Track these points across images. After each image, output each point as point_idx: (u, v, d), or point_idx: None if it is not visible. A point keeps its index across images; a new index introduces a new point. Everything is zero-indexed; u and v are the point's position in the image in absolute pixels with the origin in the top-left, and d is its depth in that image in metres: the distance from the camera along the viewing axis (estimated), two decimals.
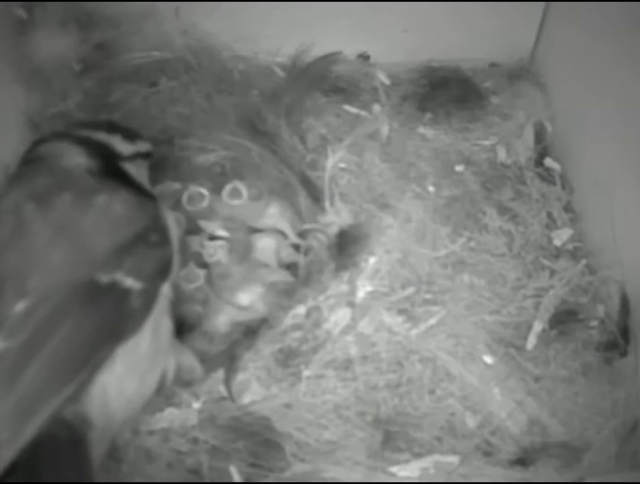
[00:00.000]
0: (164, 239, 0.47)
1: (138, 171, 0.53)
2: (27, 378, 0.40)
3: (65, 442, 0.41)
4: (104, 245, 0.44)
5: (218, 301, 0.55)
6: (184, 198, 0.58)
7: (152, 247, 0.46)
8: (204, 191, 0.58)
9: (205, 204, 0.58)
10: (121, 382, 0.44)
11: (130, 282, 0.44)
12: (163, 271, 0.47)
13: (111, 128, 0.53)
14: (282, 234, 0.58)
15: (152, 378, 0.47)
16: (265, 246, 0.57)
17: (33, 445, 0.39)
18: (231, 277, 0.56)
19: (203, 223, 0.57)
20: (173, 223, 0.50)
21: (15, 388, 0.40)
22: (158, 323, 0.46)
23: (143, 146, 0.54)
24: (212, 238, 0.57)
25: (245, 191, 0.58)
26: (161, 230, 0.48)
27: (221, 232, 0.57)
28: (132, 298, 0.44)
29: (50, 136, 0.51)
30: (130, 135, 0.53)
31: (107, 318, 0.43)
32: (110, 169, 0.50)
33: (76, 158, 0.49)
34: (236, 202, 0.58)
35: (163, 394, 0.50)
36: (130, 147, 0.52)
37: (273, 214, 0.58)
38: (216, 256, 0.56)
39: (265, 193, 0.59)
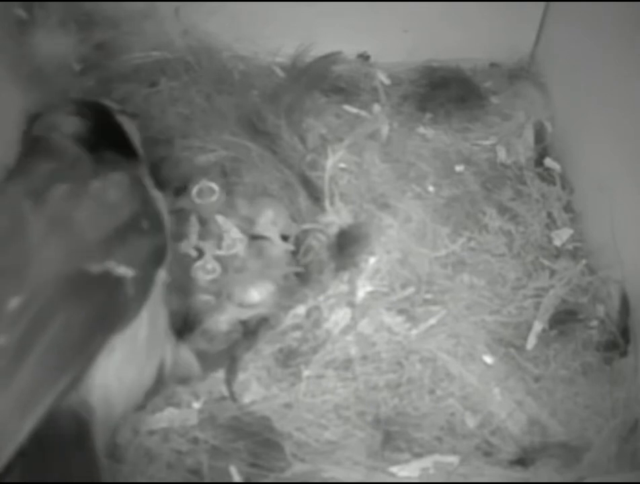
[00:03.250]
0: (157, 225, 0.47)
1: (129, 127, 0.53)
2: (24, 373, 0.40)
3: (71, 431, 0.41)
4: (95, 234, 0.44)
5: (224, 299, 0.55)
6: (194, 191, 0.58)
7: (144, 233, 0.46)
8: (215, 186, 0.58)
9: (215, 198, 0.58)
10: (121, 370, 0.44)
11: (123, 270, 0.44)
12: (157, 257, 0.47)
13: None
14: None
15: (151, 366, 0.47)
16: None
17: (39, 435, 0.39)
18: (247, 271, 0.56)
19: (220, 218, 0.57)
20: (164, 207, 0.49)
21: (14, 382, 0.40)
22: (155, 310, 0.46)
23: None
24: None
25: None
26: (153, 215, 0.47)
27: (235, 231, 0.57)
28: (126, 286, 0.44)
29: (45, 110, 0.51)
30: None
31: (101, 308, 0.43)
32: (104, 123, 0.50)
33: (70, 130, 0.49)
34: (207, 201, 0.58)
35: (163, 394, 0.51)
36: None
37: (264, 223, 0.58)
38: (234, 249, 0.56)
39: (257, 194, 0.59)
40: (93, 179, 0.46)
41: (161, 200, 0.49)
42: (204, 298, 0.55)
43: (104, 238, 0.44)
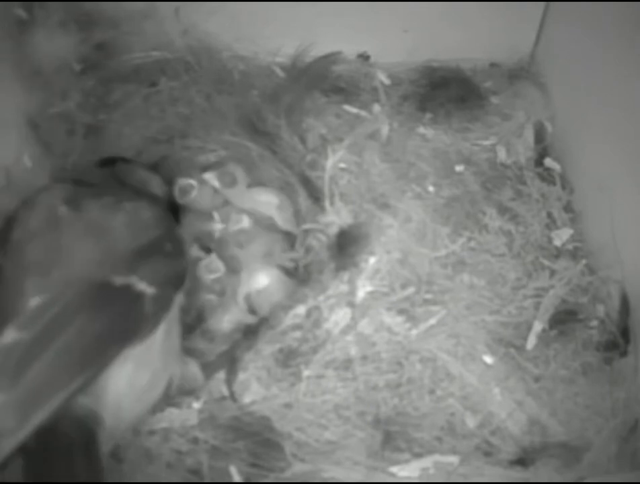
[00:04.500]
0: (178, 250, 0.49)
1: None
2: (35, 371, 0.41)
3: (77, 438, 0.41)
4: (123, 249, 0.46)
5: (227, 298, 0.55)
6: (175, 191, 0.58)
7: (167, 255, 0.48)
8: (193, 181, 0.58)
9: (194, 194, 0.58)
10: (132, 383, 0.45)
11: (144, 287, 0.45)
12: (177, 280, 0.48)
13: None
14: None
15: (161, 382, 0.48)
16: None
17: (44, 438, 0.40)
18: (249, 251, 0.56)
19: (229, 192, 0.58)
20: (185, 237, 0.51)
21: (23, 379, 0.40)
22: (170, 330, 0.47)
23: None
24: None
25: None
26: (175, 241, 0.49)
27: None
28: (145, 302, 0.45)
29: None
30: None
31: (118, 318, 0.44)
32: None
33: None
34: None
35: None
36: None
37: (267, 203, 0.58)
38: (240, 224, 0.57)
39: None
40: (127, 200, 0.48)
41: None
42: (207, 296, 0.55)
43: (130, 254, 0.46)
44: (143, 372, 0.45)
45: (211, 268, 0.55)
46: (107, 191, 0.50)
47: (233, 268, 0.56)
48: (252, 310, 0.56)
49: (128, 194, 0.51)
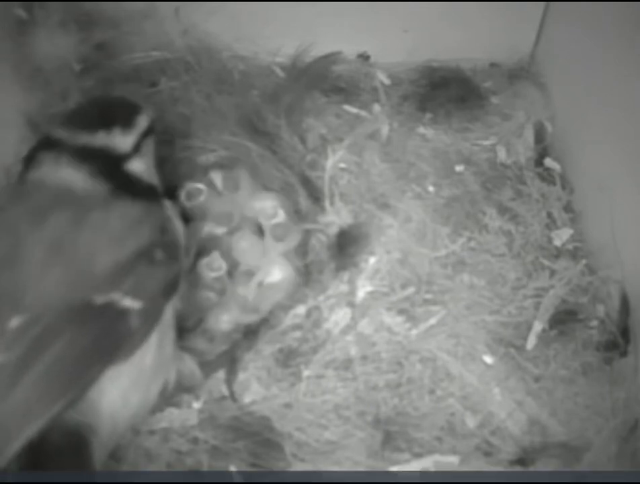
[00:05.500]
0: (171, 256, 0.46)
1: (144, 161, 0.51)
2: (18, 394, 0.40)
3: (67, 448, 0.41)
4: (102, 264, 0.43)
5: (227, 298, 0.55)
6: (182, 195, 0.58)
7: (156, 264, 0.45)
8: (201, 185, 0.58)
9: (202, 198, 0.57)
10: (127, 395, 0.44)
11: (129, 302, 0.43)
12: (168, 289, 0.46)
13: (108, 120, 0.49)
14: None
15: (156, 388, 0.47)
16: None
17: (36, 451, 0.40)
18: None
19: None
20: (181, 233, 0.49)
21: (7, 402, 0.39)
22: (164, 337, 0.46)
23: (143, 122, 0.51)
24: None
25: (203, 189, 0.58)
26: (169, 245, 0.46)
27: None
28: (131, 318, 0.43)
29: (46, 144, 0.48)
30: (127, 118, 0.50)
31: (101, 338, 0.42)
32: (115, 173, 0.48)
33: (75, 176, 0.46)
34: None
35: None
36: (130, 137, 0.49)
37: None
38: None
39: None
40: (94, 210, 0.45)
41: (181, 230, 0.49)
42: (207, 294, 0.54)
43: (112, 269, 0.43)
44: (137, 382, 0.44)
45: (213, 266, 0.55)
46: (70, 202, 0.45)
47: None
48: (254, 307, 0.55)
49: (93, 201, 0.46)
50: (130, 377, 0.44)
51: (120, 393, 0.44)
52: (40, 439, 0.40)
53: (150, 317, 0.44)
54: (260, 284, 0.55)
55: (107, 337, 0.43)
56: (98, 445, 0.42)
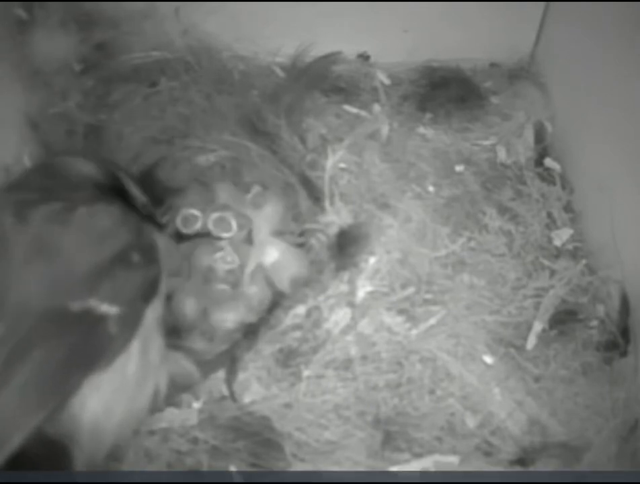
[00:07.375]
0: (149, 257, 0.45)
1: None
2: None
3: (48, 458, 0.41)
4: (78, 267, 0.42)
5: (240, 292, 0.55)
6: (178, 221, 0.57)
7: (133, 267, 0.44)
8: (197, 212, 0.57)
9: (198, 225, 0.57)
10: (109, 405, 0.43)
11: (106, 308, 0.42)
12: (148, 292, 0.45)
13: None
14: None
15: (143, 398, 0.46)
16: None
17: (17, 461, 0.39)
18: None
19: None
20: (162, 242, 0.48)
21: None
22: (147, 343, 0.45)
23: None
24: None
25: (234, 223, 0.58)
26: (145, 247, 0.45)
27: None
28: (109, 324, 0.42)
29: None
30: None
31: (78, 347, 0.41)
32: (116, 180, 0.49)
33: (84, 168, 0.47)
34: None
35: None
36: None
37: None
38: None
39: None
40: (78, 206, 0.44)
41: (162, 239, 0.48)
42: (220, 287, 0.55)
43: (88, 274, 0.42)
44: (120, 391, 0.43)
45: (226, 260, 0.55)
46: (53, 196, 0.44)
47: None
48: (271, 284, 0.56)
49: (81, 196, 0.45)
50: (112, 386, 0.43)
51: (101, 403, 0.42)
52: (21, 449, 0.39)
53: (130, 323, 0.43)
54: (260, 266, 0.55)
55: (86, 346, 0.42)
56: (80, 455, 0.42)
